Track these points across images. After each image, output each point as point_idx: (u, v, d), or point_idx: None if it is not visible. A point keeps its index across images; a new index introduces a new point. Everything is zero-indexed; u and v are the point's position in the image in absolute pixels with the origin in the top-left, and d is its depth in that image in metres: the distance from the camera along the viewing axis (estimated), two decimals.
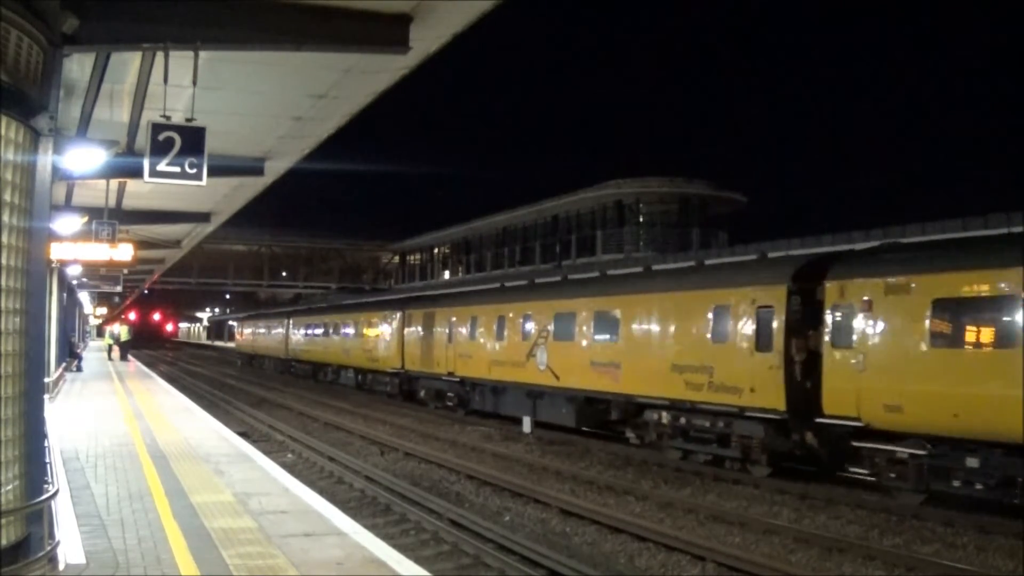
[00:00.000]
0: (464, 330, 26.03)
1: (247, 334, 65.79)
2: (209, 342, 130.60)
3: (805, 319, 14.59)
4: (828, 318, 13.95)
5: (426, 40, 8.64)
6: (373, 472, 16.33)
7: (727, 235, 35.67)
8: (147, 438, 15.03)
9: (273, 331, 54.85)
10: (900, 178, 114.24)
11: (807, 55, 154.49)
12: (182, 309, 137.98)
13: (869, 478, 14.32)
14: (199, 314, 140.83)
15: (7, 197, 5.80)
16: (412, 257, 58.55)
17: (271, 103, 11.32)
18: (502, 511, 13.39)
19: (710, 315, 16.44)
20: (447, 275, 52.11)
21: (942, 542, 11.43)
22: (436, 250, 55.09)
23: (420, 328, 29.36)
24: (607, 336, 19.49)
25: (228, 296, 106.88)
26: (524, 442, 21.02)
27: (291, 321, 49.98)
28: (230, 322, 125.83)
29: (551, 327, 21.42)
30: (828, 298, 14.06)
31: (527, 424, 22.44)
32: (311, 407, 29.77)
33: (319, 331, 43.61)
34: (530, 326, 22.49)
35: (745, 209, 38.09)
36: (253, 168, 14.68)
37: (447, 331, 27.16)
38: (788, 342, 14.68)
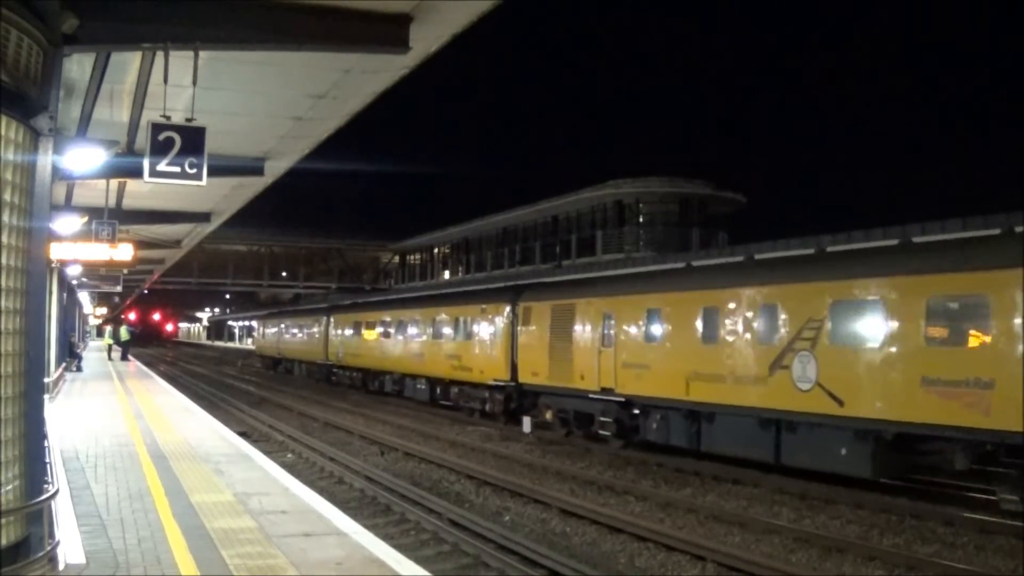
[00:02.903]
0: (634, 329, 18.90)
1: (271, 334, 57.26)
2: (209, 342, 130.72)
3: None
4: None
5: (426, 40, 8.64)
6: (373, 472, 16.34)
7: (727, 235, 35.66)
8: (147, 438, 15.03)
9: (306, 331, 46.75)
10: (899, 178, 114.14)
11: (807, 55, 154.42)
12: (182, 309, 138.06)
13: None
14: (199, 314, 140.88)
15: (7, 197, 5.80)
16: (412, 257, 58.51)
17: (271, 103, 11.31)
18: (502, 511, 13.39)
19: None
20: (447, 275, 52.10)
21: (942, 542, 11.44)
22: (436, 250, 55.06)
23: (544, 326, 22.11)
24: (963, 337, 12.56)
25: (228, 296, 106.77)
26: (524, 442, 21.04)
27: (332, 319, 41.92)
28: (229, 322, 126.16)
29: (826, 323, 14.34)
30: None
31: (527, 424, 22.43)
32: (311, 407, 29.78)
33: (376, 330, 35.60)
34: (777, 322, 15.25)
35: (745, 209, 38.11)
36: (253, 168, 14.67)
37: (600, 331, 19.92)
38: None
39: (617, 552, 11.04)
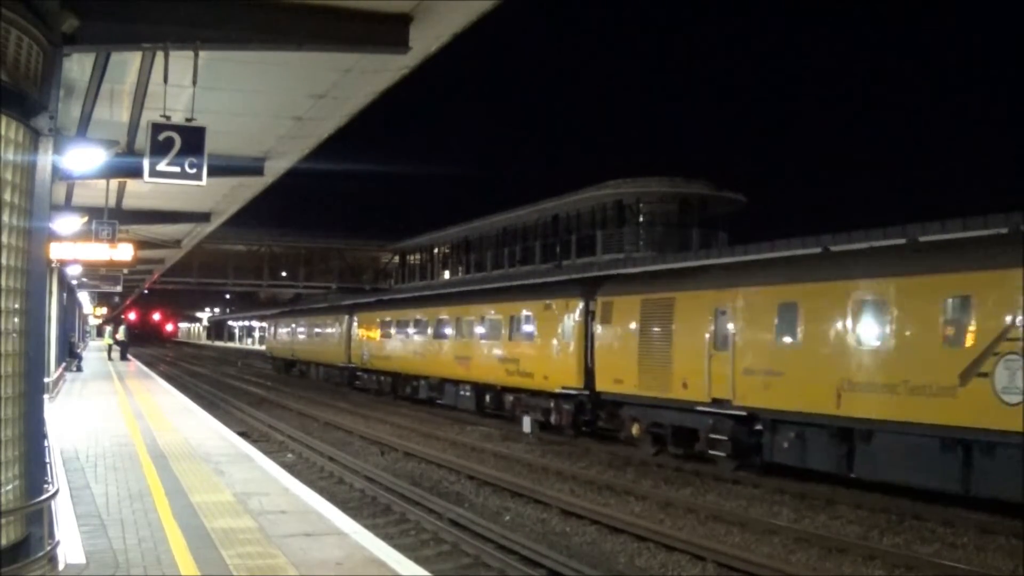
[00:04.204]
0: (760, 328, 15.65)
1: (284, 335, 53.66)
2: (209, 342, 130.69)
3: None
4: None
5: (426, 40, 8.64)
6: (373, 472, 16.34)
7: (727, 235, 35.66)
8: (147, 438, 15.03)
9: (325, 330, 43.05)
10: (900, 178, 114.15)
11: (807, 55, 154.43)
12: (182, 309, 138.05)
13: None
14: (199, 314, 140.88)
15: (7, 197, 5.79)
16: (412, 257, 58.48)
17: (271, 103, 11.32)
18: (502, 511, 13.39)
19: None
20: (447, 275, 52.06)
21: (942, 542, 11.44)
22: (436, 250, 55.03)
23: (631, 325, 18.79)
24: None
25: (228, 296, 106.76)
26: (524, 442, 21.03)
27: (355, 317, 38.26)
28: (230, 322, 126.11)
29: None
30: None
31: (527, 424, 22.41)
32: (311, 407, 29.78)
33: (409, 330, 31.78)
34: (972, 318, 12.33)
35: (745, 209, 38.11)
36: (253, 168, 14.67)
37: (712, 330, 16.56)
38: None
39: (617, 552, 11.04)
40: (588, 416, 20.78)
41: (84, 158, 9.81)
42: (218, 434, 16.26)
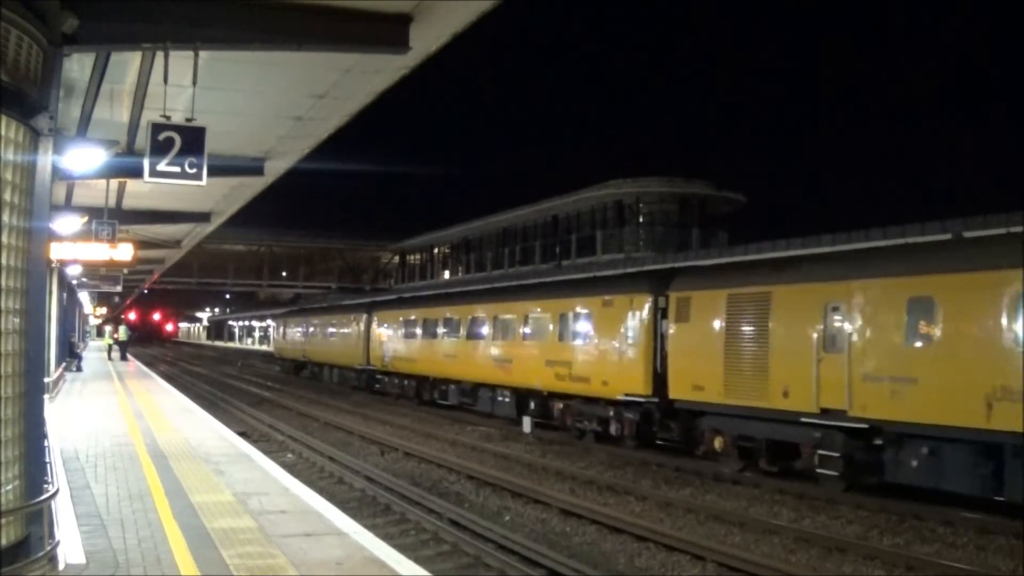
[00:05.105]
0: (886, 326, 13.56)
1: (294, 335, 50.60)
2: (209, 342, 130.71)
3: None
4: None
5: (426, 40, 8.64)
6: (373, 472, 16.34)
7: (727, 235, 35.69)
8: (147, 438, 15.03)
9: (341, 330, 40.46)
10: (899, 178, 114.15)
11: (807, 54, 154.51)
12: (182, 309, 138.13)
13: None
14: (199, 314, 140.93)
15: (7, 197, 5.79)
16: (412, 257, 58.50)
17: (271, 103, 11.32)
18: (502, 511, 13.39)
19: None
20: (447, 275, 52.06)
21: (942, 542, 11.44)
22: (436, 250, 55.06)
23: (715, 323, 16.48)
24: None
25: (228, 296, 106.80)
26: (524, 442, 21.03)
27: (375, 316, 35.69)
28: (230, 322, 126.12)
29: None
30: None
31: (527, 424, 22.40)
32: (311, 407, 29.78)
33: (438, 330, 29.10)
34: None
35: (745, 209, 38.15)
36: (253, 168, 14.68)
37: (821, 329, 14.36)
38: None
39: (617, 552, 11.04)
40: (656, 426, 18.66)
41: (84, 158, 9.83)
42: (218, 434, 16.27)
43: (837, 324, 14.21)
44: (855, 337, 13.84)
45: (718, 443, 16.41)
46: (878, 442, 13.50)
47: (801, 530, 11.89)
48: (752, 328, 15.73)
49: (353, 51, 8.75)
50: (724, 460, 16.41)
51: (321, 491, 12.25)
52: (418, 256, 57.66)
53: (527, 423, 22.35)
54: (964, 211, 14.49)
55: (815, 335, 14.43)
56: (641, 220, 36.95)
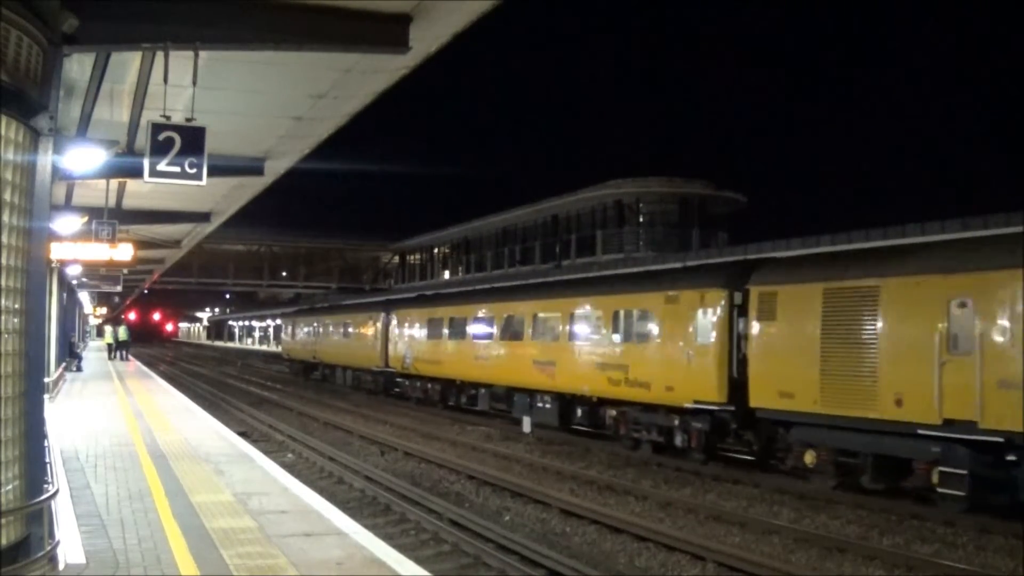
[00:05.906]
0: None
1: (304, 335, 48.00)
2: (209, 342, 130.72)
3: None
4: None
5: (426, 40, 8.64)
6: (373, 472, 16.33)
7: (727, 235, 35.73)
8: (147, 438, 15.03)
9: (356, 330, 37.99)
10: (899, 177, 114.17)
11: (807, 54, 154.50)
12: (182, 309, 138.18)
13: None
14: (199, 314, 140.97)
15: (7, 197, 5.80)
16: (412, 257, 58.56)
17: (271, 103, 11.32)
18: (502, 511, 13.39)
19: None
20: (447, 275, 52.08)
21: (942, 542, 11.44)
22: (436, 250, 55.12)
23: (807, 322, 14.55)
24: None
25: (228, 296, 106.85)
26: (524, 442, 21.02)
27: (393, 316, 33.35)
28: (230, 322, 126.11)
29: None
30: None
31: (527, 424, 22.41)
32: (311, 407, 29.79)
33: (467, 329, 26.72)
34: None
35: (745, 209, 38.21)
36: (253, 168, 14.68)
37: (943, 328, 12.60)
38: None
39: (617, 552, 11.03)
40: (731, 438, 16.90)
41: (84, 158, 9.83)
42: (218, 434, 16.27)
43: (966, 322, 12.28)
44: (991, 337, 11.90)
45: (809, 457, 14.64)
46: (1011, 457, 11.71)
47: (801, 530, 11.89)
48: (855, 327, 13.76)
49: (353, 51, 8.75)
50: (817, 476, 14.61)
51: (321, 491, 12.25)
52: (418, 256, 57.71)
53: (527, 423, 22.36)
54: (964, 212, 14.48)
55: (937, 335, 12.50)
56: (641, 220, 37.00)
